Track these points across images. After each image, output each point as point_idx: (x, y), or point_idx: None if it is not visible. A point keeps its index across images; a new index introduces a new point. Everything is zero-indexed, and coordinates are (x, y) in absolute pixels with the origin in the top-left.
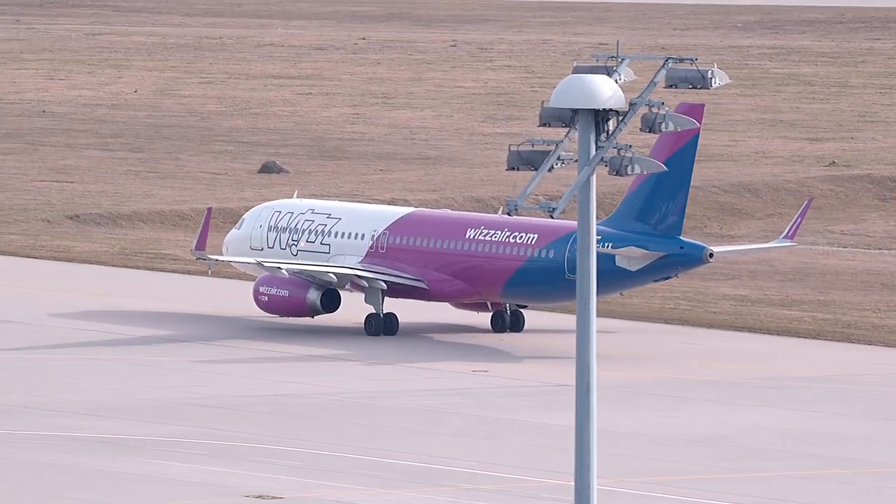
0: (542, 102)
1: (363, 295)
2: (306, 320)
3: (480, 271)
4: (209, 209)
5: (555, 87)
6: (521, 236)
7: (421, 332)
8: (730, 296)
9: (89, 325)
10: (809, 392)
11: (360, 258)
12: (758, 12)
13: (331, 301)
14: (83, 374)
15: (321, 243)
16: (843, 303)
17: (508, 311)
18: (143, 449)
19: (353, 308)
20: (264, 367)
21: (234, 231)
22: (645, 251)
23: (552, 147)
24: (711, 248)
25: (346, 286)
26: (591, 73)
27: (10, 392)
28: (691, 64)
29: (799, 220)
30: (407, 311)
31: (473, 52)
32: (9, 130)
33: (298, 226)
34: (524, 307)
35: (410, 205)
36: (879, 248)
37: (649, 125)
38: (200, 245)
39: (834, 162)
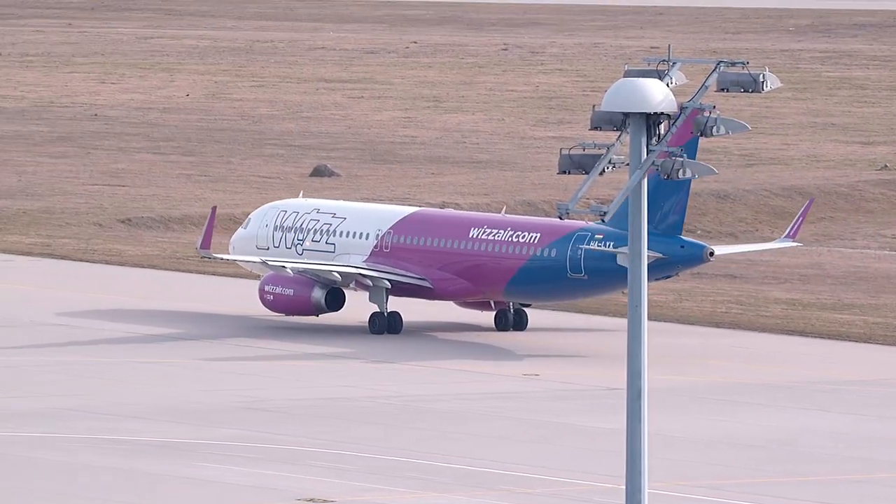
0: (594, 106)
1: (367, 294)
2: (311, 319)
3: (484, 270)
4: (214, 208)
5: (606, 91)
6: (524, 235)
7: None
8: (781, 299)
9: (141, 329)
10: (860, 396)
11: (365, 257)
12: (809, 16)
13: (335, 300)
14: (135, 378)
15: (326, 242)
16: (894, 307)
17: (512, 310)
18: (195, 452)
19: (359, 307)
20: (316, 369)
21: (240, 230)
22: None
23: (603, 151)
24: (712, 247)
25: (351, 285)
26: (643, 76)
27: (61, 395)
28: (743, 68)
29: (801, 219)
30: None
31: (525, 56)
32: (61, 134)
33: (304, 225)
34: (528, 306)
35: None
36: None
37: (701, 129)
38: (205, 244)
39: (886, 166)
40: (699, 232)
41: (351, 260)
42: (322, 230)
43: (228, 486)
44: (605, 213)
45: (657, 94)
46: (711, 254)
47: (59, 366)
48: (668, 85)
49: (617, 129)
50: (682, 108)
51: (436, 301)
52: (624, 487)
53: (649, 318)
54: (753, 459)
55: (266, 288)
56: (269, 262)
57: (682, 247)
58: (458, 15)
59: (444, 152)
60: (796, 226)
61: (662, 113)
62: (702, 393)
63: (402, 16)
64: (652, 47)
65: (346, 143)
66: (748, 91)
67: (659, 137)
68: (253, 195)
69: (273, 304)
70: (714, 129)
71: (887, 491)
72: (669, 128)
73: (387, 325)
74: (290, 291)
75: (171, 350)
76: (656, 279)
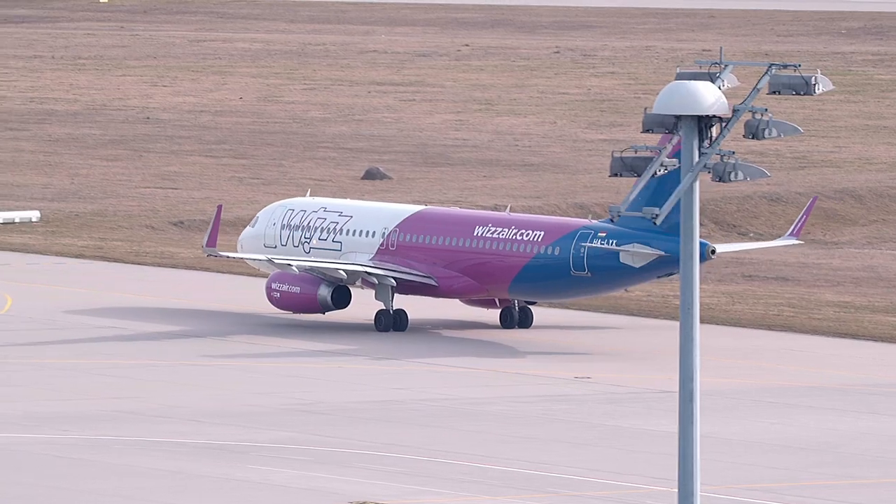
0: (646, 109)
1: (374, 292)
2: (318, 316)
3: (488, 268)
4: (219, 207)
5: (658, 94)
6: (528, 234)
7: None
8: (833, 302)
9: (192, 331)
10: None
11: (371, 255)
12: (861, 18)
13: (341, 298)
14: (188, 380)
15: (333, 241)
16: None
17: (517, 308)
18: (248, 455)
19: (366, 304)
20: (366, 372)
21: (248, 229)
22: (649, 249)
23: (655, 154)
24: (714, 245)
25: (357, 283)
26: (695, 79)
27: (112, 398)
28: (795, 70)
29: (804, 217)
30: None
31: (576, 59)
32: (113, 137)
33: (311, 223)
34: (533, 304)
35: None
36: None
37: (753, 131)
38: (211, 242)
39: None
40: (752, 234)
41: (357, 258)
42: (329, 228)
43: (279, 488)
44: (656, 215)
45: (709, 97)
46: (713, 251)
47: (111, 369)
48: (720, 87)
49: (669, 132)
50: (734, 111)
51: (441, 299)
52: (676, 490)
53: (701, 321)
54: (805, 462)
55: (273, 286)
56: (275, 261)
57: None
58: (509, 18)
59: (495, 155)
60: (800, 224)
61: (714, 116)
62: (754, 396)
63: (453, 18)
64: (704, 50)
65: (398, 145)
66: (800, 94)
67: (711, 140)
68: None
69: (280, 301)
70: (766, 131)
71: None
72: (721, 130)
73: (392, 322)
74: (296, 289)
75: (221, 352)
76: (659, 277)
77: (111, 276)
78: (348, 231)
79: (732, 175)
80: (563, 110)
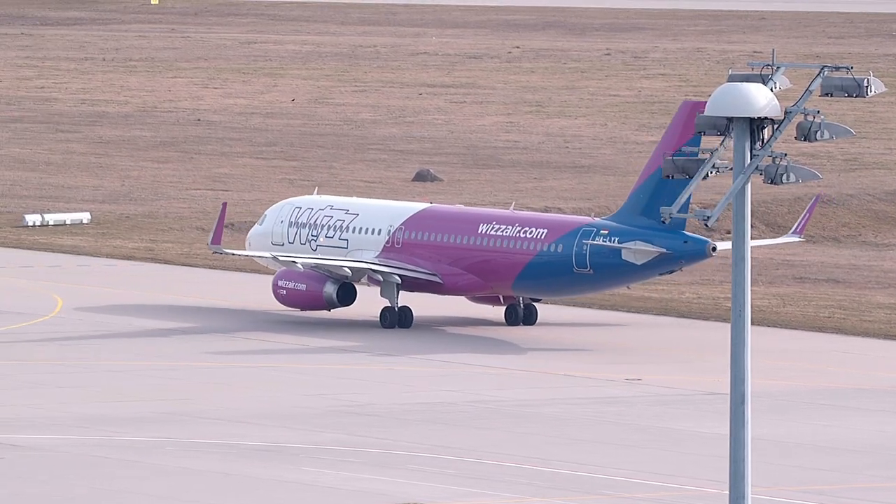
0: (697, 111)
1: (379, 289)
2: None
3: (492, 265)
4: (224, 204)
5: (710, 96)
6: (532, 231)
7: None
8: (884, 304)
9: (243, 334)
10: None
11: (377, 253)
12: None
13: (347, 294)
14: (239, 382)
15: (340, 238)
16: None
17: (521, 305)
18: (298, 457)
19: (372, 302)
20: (414, 374)
21: (256, 227)
22: (651, 246)
23: (707, 155)
24: (714, 242)
25: (363, 280)
26: (747, 81)
27: (165, 400)
28: (847, 72)
29: (807, 215)
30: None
31: (627, 61)
32: (164, 139)
33: (318, 221)
34: (538, 301)
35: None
36: None
37: (804, 133)
38: (216, 240)
39: None
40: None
41: (363, 255)
42: (335, 226)
43: (328, 490)
44: (708, 217)
45: (761, 99)
46: (714, 249)
47: (162, 371)
48: (771, 89)
49: (721, 134)
50: (786, 113)
51: (446, 296)
52: (727, 492)
53: (752, 323)
54: (856, 464)
55: (279, 283)
56: (279, 258)
57: (686, 242)
58: (560, 20)
59: (546, 157)
60: (803, 222)
61: (766, 118)
62: (805, 398)
63: (504, 20)
64: (755, 52)
65: (449, 147)
66: (852, 96)
67: (763, 142)
68: None
69: (286, 299)
70: (818, 133)
71: None
72: (773, 132)
73: (398, 319)
74: (302, 286)
75: (273, 354)
76: (660, 273)
77: (161, 278)
78: (355, 229)
79: (784, 177)
80: (614, 112)
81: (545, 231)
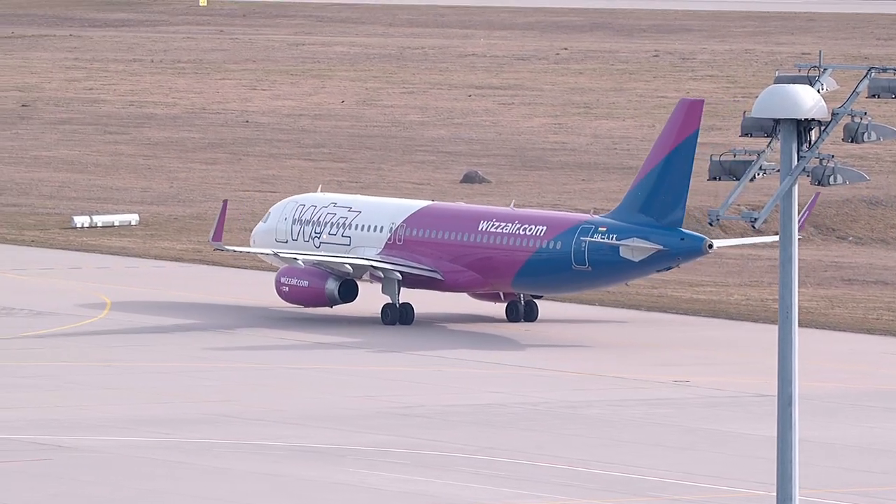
0: (744, 112)
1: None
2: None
3: (492, 262)
4: (225, 202)
5: (757, 97)
6: (531, 228)
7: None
8: None
9: (291, 335)
10: None
11: (379, 250)
12: None
13: (349, 291)
14: (286, 383)
15: (342, 235)
16: None
17: (522, 302)
18: (346, 458)
19: (375, 299)
20: (463, 375)
21: (260, 224)
22: (648, 243)
23: (754, 157)
24: (711, 240)
25: (365, 277)
26: (794, 82)
27: (211, 401)
28: (895, 74)
29: (806, 213)
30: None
31: (675, 62)
32: (213, 141)
33: (321, 219)
34: (539, 297)
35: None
36: None
37: (852, 135)
38: (217, 237)
39: None
40: (850, 239)
41: (366, 252)
42: (338, 223)
43: (378, 491)
44: (755, 219)
45: (808, 101)
46: (710, 246)
47: (210, 372)
48: (819, 91)
49: (768, 136)
50: (833, 115)
51: (447, 293)
52: (775, 494)
53: (800, 325)
54: None
55: (282, 280)
56: (281, 255)
57: (683, 239)
58: (608, 21)
59: (594, 159)
60: (802, 219)
61: (813, 119)
62: (853, 400)
63: (552, 22)
64: (803, 53)
65: (497, 149)
66: None
67: (810, 144)
68: None
69: (289, 295)
70: (865, 135)
71: None
72: (820, 134)
73: (399, 316)
74: (304, 283)
75: (322, 356)
76: (658, 270)
77: (209, 280)
78: (357, 226)
79: (831, 179)
80: (662, 114)
81: (544, 228)
